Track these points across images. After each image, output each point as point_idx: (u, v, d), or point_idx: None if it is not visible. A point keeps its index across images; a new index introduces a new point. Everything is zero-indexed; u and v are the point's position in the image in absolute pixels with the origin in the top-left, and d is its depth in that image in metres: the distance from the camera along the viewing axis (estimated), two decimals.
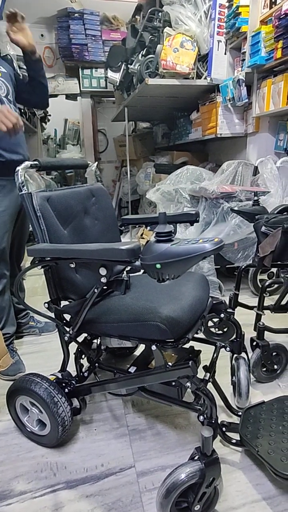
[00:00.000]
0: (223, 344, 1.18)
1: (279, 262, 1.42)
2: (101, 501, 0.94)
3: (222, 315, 1.15)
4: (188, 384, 0.89)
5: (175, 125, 3.68)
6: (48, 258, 0.95)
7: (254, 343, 1.36)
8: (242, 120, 2.68)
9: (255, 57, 2.22)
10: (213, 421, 0.88)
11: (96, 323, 1.00)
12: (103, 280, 0.85)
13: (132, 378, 0.99)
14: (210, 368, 1.06)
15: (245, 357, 1.24)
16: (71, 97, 4.64)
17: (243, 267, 1.58)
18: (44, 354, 1.66)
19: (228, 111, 2.66)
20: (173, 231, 0.75)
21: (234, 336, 1.20)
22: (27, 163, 1.03)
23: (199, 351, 1.09)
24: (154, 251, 0.73)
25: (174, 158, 3.46)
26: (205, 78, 2.56)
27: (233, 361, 1.25)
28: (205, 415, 0.89)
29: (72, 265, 0.89)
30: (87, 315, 0.98)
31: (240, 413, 1.10)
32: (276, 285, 2.15)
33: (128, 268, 0.82)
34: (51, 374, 1.11)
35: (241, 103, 2.43)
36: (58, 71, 4.45)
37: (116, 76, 3.02)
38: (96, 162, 1.38)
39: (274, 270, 2.20)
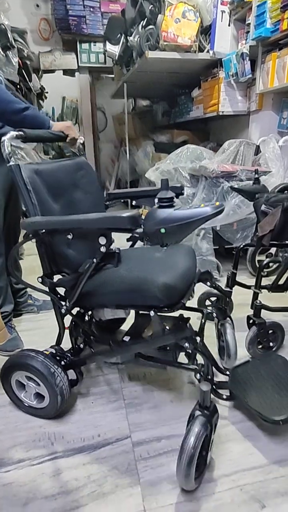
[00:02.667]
0: (210, 310, 1.27)
1: (277, 242, 1.41)
2: (97, 468, 0.97)
3: (208, 283, 1.21)
4: (187, 344, 0.95)
5: (175, 102, 3.57)
6: (43, 231, 0.94)
7: (251, 321, 1.37)
8: (245, 97, 2.61)
9: (260, 29, 2.13)
10: (209, 377, 0.95)
11: (93, 295, 1.02)
12: (103, 249, 0.87)
13: (132, 345, 1.04)
14: (200, 333, 1.13)
15: (230, 321, 1.33)
16: (68, 72, 4.49)
17: (241, 246, 1.58)
18: (41, 331, 1.67)
19: (231, 88, 2.58)
20: (174, 197, 0.78)
21: (220, 302, 1.30)
22: (13, 133, 1.01)
23: (189, 318, 1.14)
24: (157, 217, 0.76)
25: (174, 137, 3.39)
26: (208, 52, 2.47)
27: (219, 327, 1.33)
28: (201, 373, 0.96)
29: (70, 236, 0.90)
30: (84, 288, 0.99)
31: (228, 373, 1.18)
32: (274, 266, 2.15)
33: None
34: (45, 350, 1.13)
35: (245, 78, 2.35)
36: (55, 45, 4.28)
37: (115, 49, 2.90)
38: (82, 137, 1.36)
39: (272, 251, 2.20)
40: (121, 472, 0.96)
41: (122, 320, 1.55)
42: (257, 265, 2.17)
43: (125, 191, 1.41)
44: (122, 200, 1.36)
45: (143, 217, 0.79)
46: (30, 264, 2.53)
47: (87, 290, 1.01)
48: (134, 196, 1.34)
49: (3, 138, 0.99)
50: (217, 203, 0.77)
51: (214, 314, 1.28)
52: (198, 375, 0.97)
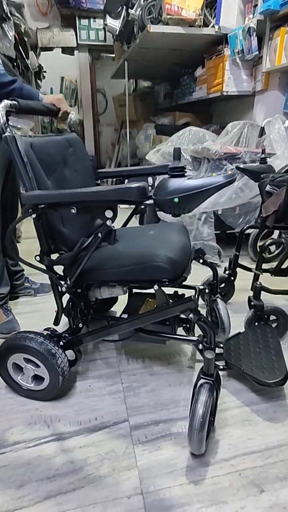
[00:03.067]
0: (202, 286, 1.31)
1: (282, 224, 1.36)
2: (94, 451, 0.95)
3: (201, 261, 1.23)
4: (191, 315, 0.95)
5: (178, 83, 3.46)
6: (42, 206, 0.90)
7: (252, 303, 1.34)
8: (250, 77, 2.51)
9: (269, 1, 2.02)
10: (212, 346, 0.97)
11: (95, 272, 1.01)
12: (109, 223, 0.86)
13: (135, 319, 1.03)
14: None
15: (220, 297, 1.37)
16: (67, 50, 4.34)
17: (244, 228, 1.54)
18: (39, 314, 1.65)
19: (236, 66, 2.48)
20: (185, 166, 0.78)
21: (211, 279, 1.32)
22: (7, 102, 0.97)
23: (183, 295, 1.13)
24: (170, 186, 0.75)
25: (176, 119, 3.29)
26: (213, 27, 2.36)
27: (210, 302, 1.36)
28: (204, 342, 0.99)
29: (73, 211, 0.87)
30: (85, 264, 0.98)
31: (222, 345, 1.23)
32: (276, 252, 2.10)
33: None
34: (44, 329, 1.10)
35: (251, 56, 2.26)
36: (53, 20, 4.11)
37: (115, 24, 2.77)
38: (74, 112, 1.31)
39: (275, 237, 2.15)
40: (119, 455, 0.94)
41: (113, 302, 1.56)
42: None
43: (115, 170, 1.37)
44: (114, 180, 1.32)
45: None
46: (28, 247, 2.49)
47: (88, 266, 1.00)
48: (124, 175, 1.30)
49: None
50: (230, 172, 0.77)
51: (207, 290, 1.31)
52: (200, 345, 1.00)
